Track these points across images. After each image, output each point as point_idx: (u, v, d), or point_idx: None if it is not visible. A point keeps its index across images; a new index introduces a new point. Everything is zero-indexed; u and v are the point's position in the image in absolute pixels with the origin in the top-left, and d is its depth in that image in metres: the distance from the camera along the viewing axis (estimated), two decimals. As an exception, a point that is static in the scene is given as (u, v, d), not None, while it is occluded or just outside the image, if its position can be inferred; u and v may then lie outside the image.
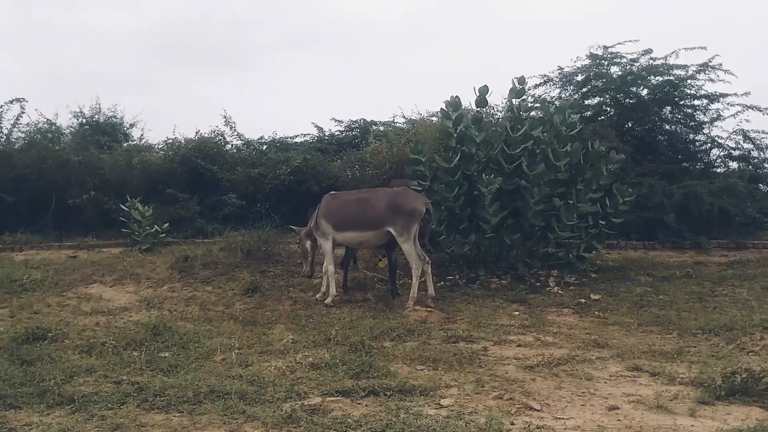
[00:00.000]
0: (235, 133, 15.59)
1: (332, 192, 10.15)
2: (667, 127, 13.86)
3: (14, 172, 14.00)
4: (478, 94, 10.48)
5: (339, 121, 18.60)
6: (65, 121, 17.37)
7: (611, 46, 13.83)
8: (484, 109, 10.84)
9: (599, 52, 13.91)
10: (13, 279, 10.13)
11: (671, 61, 13.47)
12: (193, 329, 7.92)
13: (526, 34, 34.07)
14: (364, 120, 18.63)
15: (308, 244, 9.84)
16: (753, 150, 13.92)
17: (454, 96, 10.56)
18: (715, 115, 13.70)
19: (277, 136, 17.26)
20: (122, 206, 12.16)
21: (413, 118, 16.11)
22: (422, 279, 9.22)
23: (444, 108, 10.67)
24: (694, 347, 7.20)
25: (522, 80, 10.71)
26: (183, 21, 35.82)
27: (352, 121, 18.66)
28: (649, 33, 28.45)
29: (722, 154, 14.19)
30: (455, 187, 10.08)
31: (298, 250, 10.41)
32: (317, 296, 9.58)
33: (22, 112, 14.93)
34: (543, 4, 34.88)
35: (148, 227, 11.98)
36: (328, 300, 9.29)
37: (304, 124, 28.70)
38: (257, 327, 8.16)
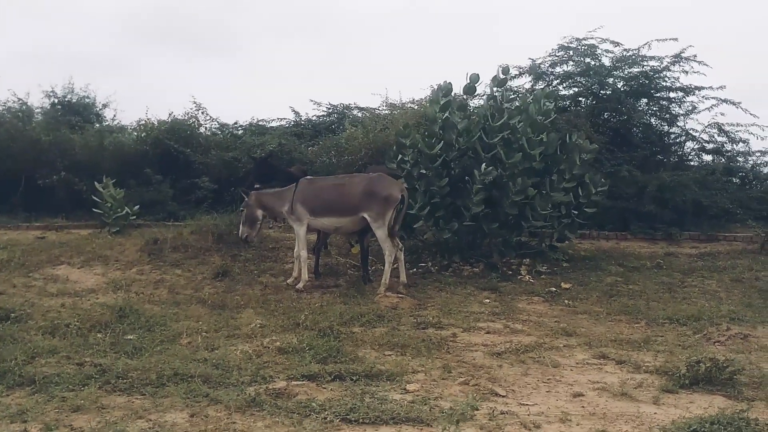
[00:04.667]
0: (208, 118, 15.45)
1: (308, 177, 10.08)
2: (643, 119, 13.91)
3: (-19, 152, 13.75)
4: (468, 81, 10.39)
5: (317, 103, 18.32)
6: (37, 101, 17.10)
7: (583, 38, 13.84)
8: (469, 98, 10.76)
9: (573, 44, 13.92)
10: (-22, 259, 9.96)
11: (644, 52, 13.56)
12: (160, 312, 7.83)
13: (513, 22, 33.89)
14: (342, 104, 18.43)
15: (259, 212, 9.74)
16: (727, 143, 14.06)
17: (447, 81, 10.41)
18: (690, 108, 13.81)
19: (254, 120, 17.13)
20: (96, 185, 11.95)
21: (391, 102, 16.02)
22: (395, 265, 9.20)
23: (434, 91, 10.57)
24: (661, 336, 7.25)
25: (506, 70, 10.68)
26: (163, 2, 35.25)
27: (330, 105, 18.43)
28: (619, 25, 28.49)
29: (696, 147, 14.33)
30: (442, 174, 10.01)
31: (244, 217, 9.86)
32: (288, 281, 9.51)
33: None
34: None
35: (118, 210, 11.81)
36: (300, 285, 9.23)
37: (283, 110, 28.44)
38: (226, 311, 8.09)
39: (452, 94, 10.46)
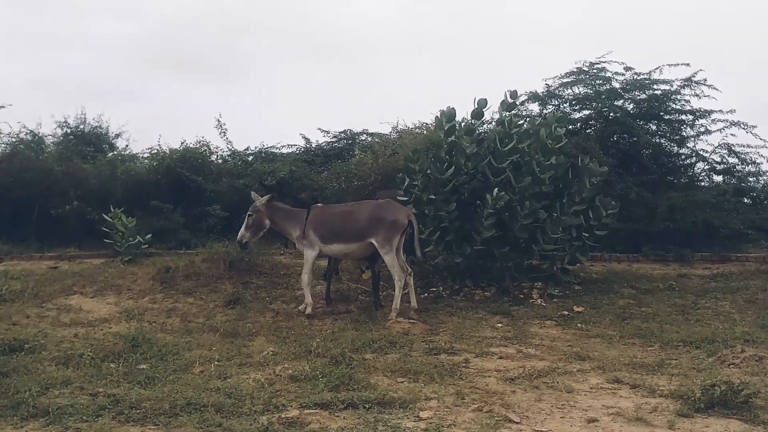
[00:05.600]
0: (225, 139, 15.57)
1: (320, 204, 10.14)
2: (652, 140, 13.90)
3: (-5, 182, 13.89)
4: (476, 106, 10.47)
5: (326, 131, 18.58)
6: (49, 130, 17.31)
7: (596, 63, 13.92)
8: (477, 122, 10.84)
9: (585, 67, 13.99)
10: (-9, 290, 10.02)
11: (655, 76, 13.59)
12: (173, 341, 7.85)
13: (521, 47, 34.12)
14: (351, 131, 18.63)
15: (267, 222, 9.68)
16: (738, 164, 13.99)
17: (450, 107, 10.53)
18: (701, 130, 13.79)
19: (264, 147, 17.26)
20: (105, 217, 12.04)
21: (401, 128, 16.14)
22: (405, 290, 9.20)
23: (438, 117, 10.68)
24: (675, 360, 7.19)
25: (514, 94, 10.74)
26: (173, 30, 35.75)
27: (340, 131, 18.66)
28: (632, 49, 28.64)
29: (706, 167, 14.27)
30: (451, 199, 10.05)
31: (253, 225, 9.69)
32: (299, 308, 9.52)
33: None
34: (538, 17, 34.94)
35: (130, 238, 11.87)
36: (308, 309, 9.25)
37: (293, 136, 28.46)
38: (238, 339, 8.09)
39: (455, 119, 10.57)
